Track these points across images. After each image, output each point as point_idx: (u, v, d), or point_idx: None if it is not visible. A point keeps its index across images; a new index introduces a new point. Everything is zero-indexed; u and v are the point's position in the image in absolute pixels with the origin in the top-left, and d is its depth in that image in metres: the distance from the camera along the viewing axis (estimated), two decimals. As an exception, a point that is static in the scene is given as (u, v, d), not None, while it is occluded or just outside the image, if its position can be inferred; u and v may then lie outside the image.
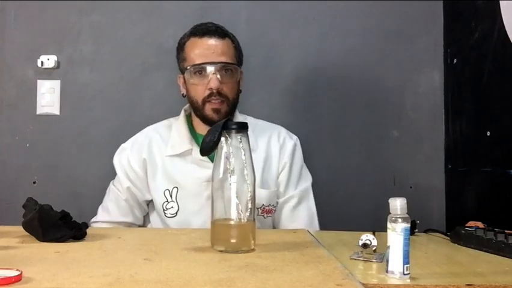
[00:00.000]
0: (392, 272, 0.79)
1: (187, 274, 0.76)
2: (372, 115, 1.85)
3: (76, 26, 1.86)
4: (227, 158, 0.95)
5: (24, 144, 1.84)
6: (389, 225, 0.80)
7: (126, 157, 1.47)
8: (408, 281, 0.78)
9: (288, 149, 1.48)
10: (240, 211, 0.94)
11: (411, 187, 1.84)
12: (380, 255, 0.90)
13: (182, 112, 1.51)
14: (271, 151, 1.47)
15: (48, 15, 1.86)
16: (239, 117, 1.48)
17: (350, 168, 1.84)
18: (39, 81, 1.84)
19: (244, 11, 1.86)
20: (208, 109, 1.39)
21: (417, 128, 1.86)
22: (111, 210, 1.46)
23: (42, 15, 1.86)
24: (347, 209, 1.79)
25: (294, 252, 0.94)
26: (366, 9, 1.86)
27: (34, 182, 1.84)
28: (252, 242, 0.95)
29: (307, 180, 1.52)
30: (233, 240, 0.94)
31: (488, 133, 1.51)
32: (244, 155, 0.95)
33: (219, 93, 1.37)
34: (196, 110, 1.42)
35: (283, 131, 1.54)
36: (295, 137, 1.54)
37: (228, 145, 0.96)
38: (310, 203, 1.50)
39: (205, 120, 1.42)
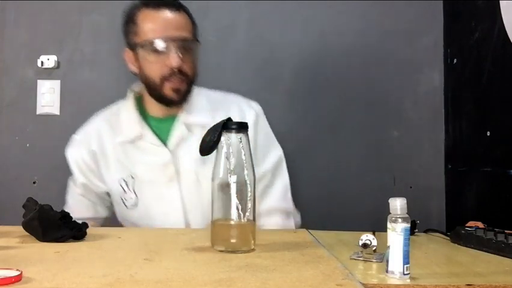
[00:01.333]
0: (392, 272, 0.79)
1: (187, 274, 0.76)
2: (372, 115, 1.85)
3: (76, 26, 1.86)
4: (227, 158, 0.95)
5: (24, 144, 1.84)
6: (389, 225, 0.80)
7: (77, 150, 1.38)
8: (408, 281, 0.78)
9: (249, 121, 1.30)
10: (240, 211, 0.94)
11: (411, 187, 1.84)
12: (380, 255, 0.90)
13: (130, 93, 1.38)
14: None
15: (48, 15, 1.86)
16: (194, 90, 1.35)
17: (350, 168, 1.84)
18: (39, 81, 1.84)
19: (244, 11, 1.86)
20: (167, 88, 1.27)
21: (417, 128, 1.86)
22: (71, 207, 1.37)
23: (42, 15, 1.86)
24: (347, 209, 1.79)
25: (294, 252, 0.94)
26: (366, 9, 1.86)
27: (34, 182, 1.84)
28: (252, 242, 0.95)
29: (277, 149, 1.40)
30: (233, 240, 0.94)
31: (488, 133, 1.51)
32: (244, 154, 0.95)
33: (180, 71, 1.26)
34: (151, 89, 1.30)
35: (242, 102, 1.41)
36: (254, 105, 1.41)
37: (228, 145, 0.96)
38: (284, 175, 1.40)
39: (163, 100, 1.31)
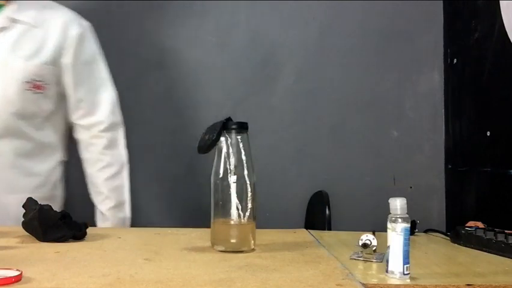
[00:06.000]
0: (392, 272, 0.79)
1: (187, 274, 0.76)
2: (372, 115, 1.85)
3: (76, 26, 1.86)
4: (227, 157, 0.95)
5: (24, 144, 1.84)
6: (389, 225, 0.80)
7: None
8: (408, 281, 0.78)
9: (72, 36, 1.39)
10: (240, 211, 0.94)
11: (411, 187, 1.84)
12: (380, 255, 0.90)
13: None
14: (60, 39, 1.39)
15: (48, 15, 1.86)
16: None
17: (350, 168, 1.84)
18: (39, 81, 1.84)
19: (244, 11, 1.86)
20: None
21: (417, 128, 1.86)
22: None
23: (42, 15, 1.86)
24: (347, 209, 1.79)
25: (294, 252, 0.94)
26: (366, 9, 1.86)
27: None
28: (252, 242, 0.95)
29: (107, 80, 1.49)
30: (233, 240, 0.94)
31: (488, 133, 1.52)
32: (244, 155, 0.96)
33: None
34: None
35: (73, 19, 1.43)
36: (85, 23, 1.44)
37: (228, 145, 0.96)
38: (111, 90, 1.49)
39: None
